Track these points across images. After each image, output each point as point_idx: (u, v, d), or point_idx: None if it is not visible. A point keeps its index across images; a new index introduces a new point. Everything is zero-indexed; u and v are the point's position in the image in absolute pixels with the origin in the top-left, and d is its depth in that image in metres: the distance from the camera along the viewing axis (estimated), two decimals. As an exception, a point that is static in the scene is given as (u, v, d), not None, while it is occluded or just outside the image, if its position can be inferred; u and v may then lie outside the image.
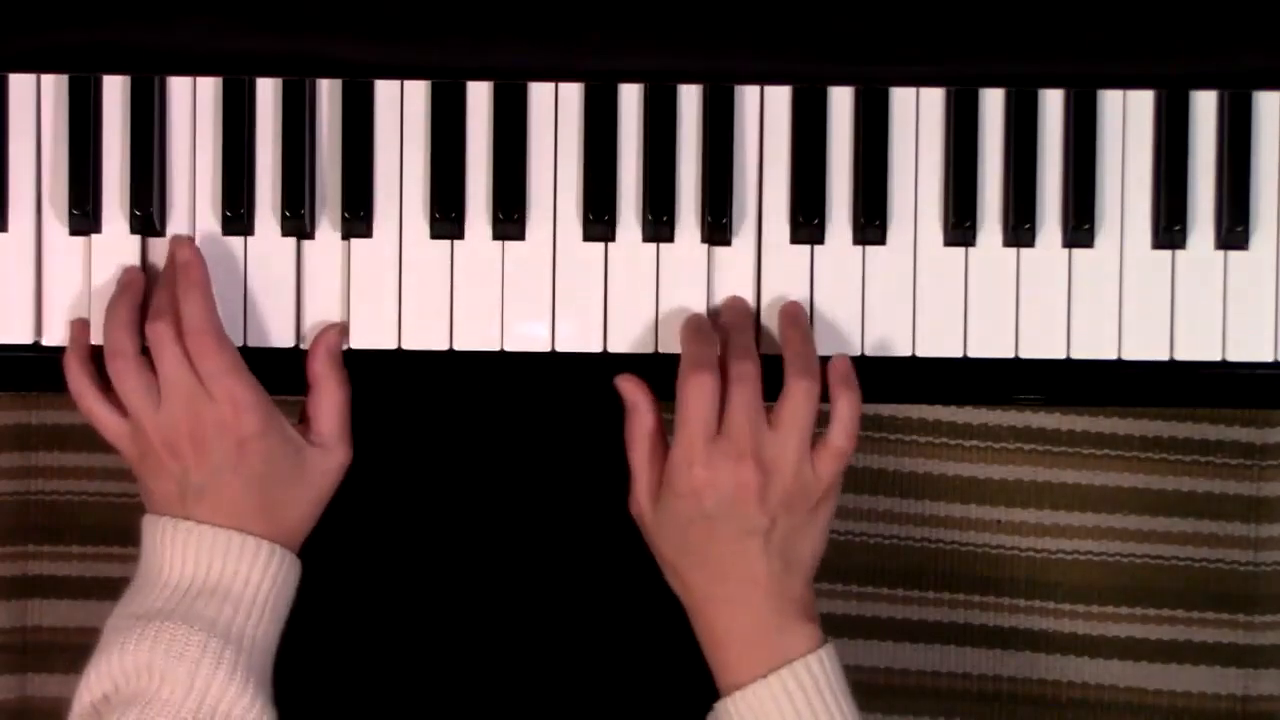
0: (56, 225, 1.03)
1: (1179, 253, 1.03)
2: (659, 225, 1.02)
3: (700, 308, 1.02)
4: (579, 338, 1.03)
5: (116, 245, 1.02)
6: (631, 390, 1.00)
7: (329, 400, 1.00)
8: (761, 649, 0.95)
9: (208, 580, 0.94)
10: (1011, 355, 1.03)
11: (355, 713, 1.08)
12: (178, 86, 1.03)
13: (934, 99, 1.03)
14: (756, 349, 0.98)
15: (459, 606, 1.08)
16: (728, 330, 0.99)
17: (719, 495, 0.95)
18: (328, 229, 1.03)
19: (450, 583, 1.09)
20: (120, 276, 1.01)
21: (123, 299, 0.99)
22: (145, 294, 1.00)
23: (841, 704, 0.95)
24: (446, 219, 1.02)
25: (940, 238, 1.03)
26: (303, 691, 1.07)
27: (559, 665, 1.08)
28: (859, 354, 1.03)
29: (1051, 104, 1.03)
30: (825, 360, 0.99)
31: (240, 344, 1.01)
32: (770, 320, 1.03)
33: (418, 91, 1.03)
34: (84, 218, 1.02)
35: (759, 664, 0.95)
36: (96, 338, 1.01)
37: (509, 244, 1.03)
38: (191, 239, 1.02)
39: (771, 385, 0.97)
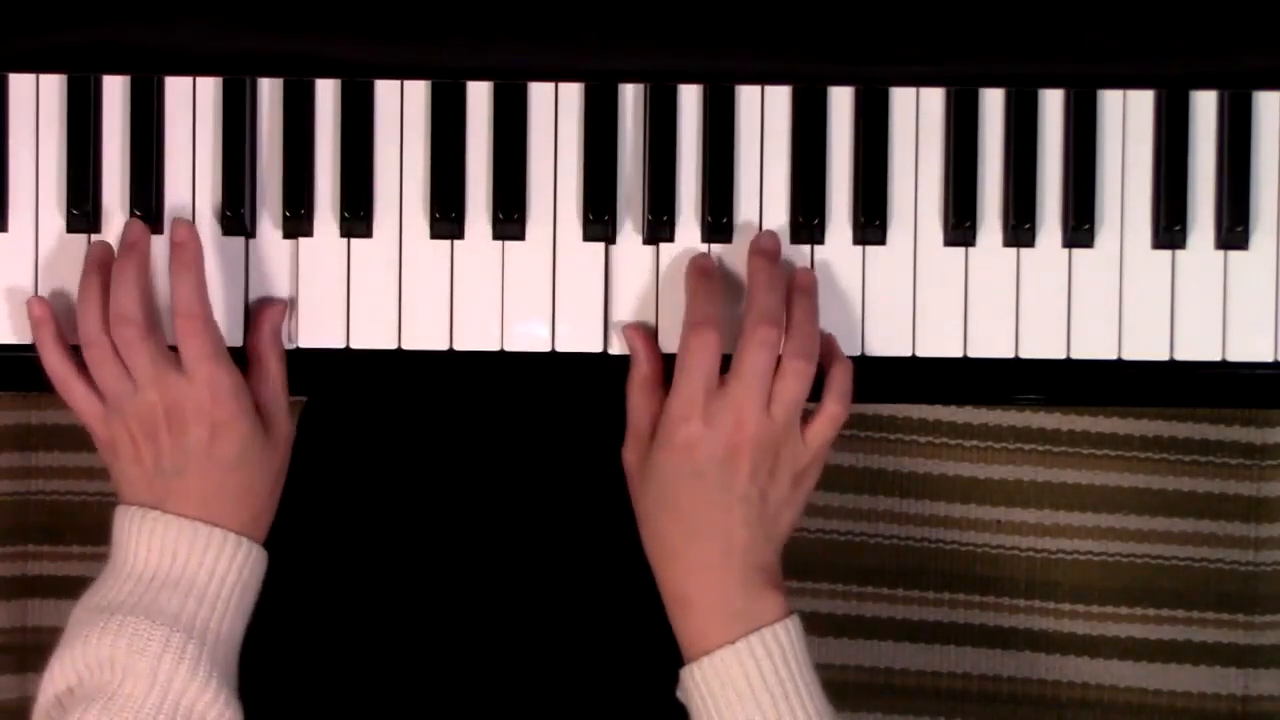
0: (56, 225, 1.03)
1: (1179, 253, 1.03)
2: (659, 225, 1.02)
3: (700, 308, 1.02)
4: (579, 338, 1.03)
5: (116, 245, 1.02)
6: (634, 337, 1.00)
7: (274, 376, 1.00)
8: (729, 615, 0.95)
9: (171, 571, 0.94)
10: (1011, 355, 1.03)
11: (357, 706, 1.08)
12: (177, 86, 1.03)
13: (934, 99, 1.03)
14: (784, 313, 0.98)
15: (454, 606, 1.08)
16: (755, 287, 0.98)
17: (710, 453, 0.95)
18: (328, 229, 1.03)
19: (448, 582, 1.08)
20: (89, 251, 1.00)
21: (91, 285, 0.98)
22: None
23: (806, 674, 0.94)
24: (446, 219, 1.02)
25: (940, 238, 1.03)
26: (309, 690, 1.07)
27: (552, 664, 1.08)
28: (859, 354, 1.02)
29: (1051, 104, 1.03)
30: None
31: (239, 344, 1.01)
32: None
33: (418, 91, 1.03)
34: (83, 217, 1.02)
35: (727, 630, 0.94)
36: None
37: (509, 244, 1.03)
38: (189, 221, 1.01)
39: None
